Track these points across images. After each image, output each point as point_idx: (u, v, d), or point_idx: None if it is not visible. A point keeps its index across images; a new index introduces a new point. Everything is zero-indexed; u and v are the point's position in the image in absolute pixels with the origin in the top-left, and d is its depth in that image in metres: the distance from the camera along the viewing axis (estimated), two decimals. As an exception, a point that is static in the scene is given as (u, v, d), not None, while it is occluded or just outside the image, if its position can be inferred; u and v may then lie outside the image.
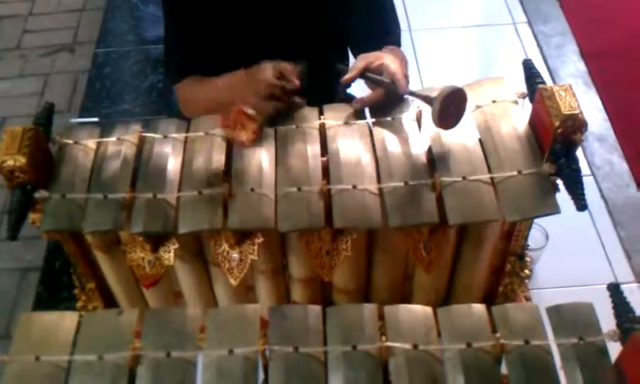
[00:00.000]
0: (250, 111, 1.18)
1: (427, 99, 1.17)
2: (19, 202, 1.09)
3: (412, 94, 1.23)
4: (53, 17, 3.14)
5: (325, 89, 1.62)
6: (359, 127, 1.22)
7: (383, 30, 1.50)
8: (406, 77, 1.27)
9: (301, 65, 1.31)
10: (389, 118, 1.23)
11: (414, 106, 1.25)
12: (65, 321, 1.01)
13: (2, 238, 2.24)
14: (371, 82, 1.27)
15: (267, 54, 1.34)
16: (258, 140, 1.20)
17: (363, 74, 1.26)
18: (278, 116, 1.26)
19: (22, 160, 1.08)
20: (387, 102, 1.27)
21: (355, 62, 1.29)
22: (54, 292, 2.01)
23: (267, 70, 1.28)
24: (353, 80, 1.27)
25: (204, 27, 1.43)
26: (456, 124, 1.17)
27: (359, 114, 1.26)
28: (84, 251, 1.26)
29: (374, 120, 1.24)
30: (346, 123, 1.23)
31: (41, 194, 1.11)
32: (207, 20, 1.42)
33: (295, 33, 1.46)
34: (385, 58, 1.25)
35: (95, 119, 2.55)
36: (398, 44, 1.51)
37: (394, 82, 1.22)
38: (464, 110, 1.17)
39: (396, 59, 1.27)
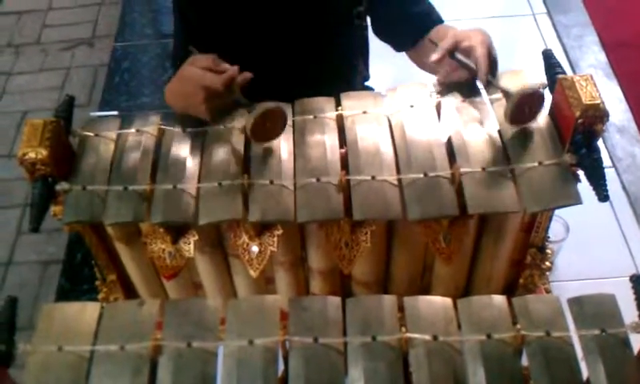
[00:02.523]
0: (269, 106, 1.14)
1: (505, 93, 1.16)
2: (41, 195, 1.10)
3: (491, 84, 1.21)
4: (72, 11, 3.17)
5: (342, 81, 1.61)
6: (377, 116, 1.22)
7: (425, 11, 1.47)
8: (493, 60, 1.22)
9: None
10: (407, 107, 1.22)
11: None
12: (86, 312, 1.01)
13: (24, 231, 2.28)
14: (457, 63, 1.23)
15: (278, 52, 1.31)
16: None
17: (452, 54, 1.22)
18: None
19: (43, 153, 1.09)
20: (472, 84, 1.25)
21: (445, 40, 1.24)
22: (76, 284, 2.04)
23: (199, 72, 1.19)
24: (441, 60, 1.23)
25: (212, 23, 1.42)
26: (527, 123, 1.15)
27: (377, 103, 1.25)
28: (105, 243, 1.27)
29: (393, 110, 1.23)
30: (364, 112, 1.22)
31: (62, 186, 1.12)
32: (215, 16, 1.42)
33: (310, 27, 1.45)
34: (473, 39, 1.21)
35: (115, 112, 2.57)
36: (441, 22, 1.46)
37: (476, 66, 1.20)
38: (539, 112, 1.15)
39: (485, 43, 1.21)
